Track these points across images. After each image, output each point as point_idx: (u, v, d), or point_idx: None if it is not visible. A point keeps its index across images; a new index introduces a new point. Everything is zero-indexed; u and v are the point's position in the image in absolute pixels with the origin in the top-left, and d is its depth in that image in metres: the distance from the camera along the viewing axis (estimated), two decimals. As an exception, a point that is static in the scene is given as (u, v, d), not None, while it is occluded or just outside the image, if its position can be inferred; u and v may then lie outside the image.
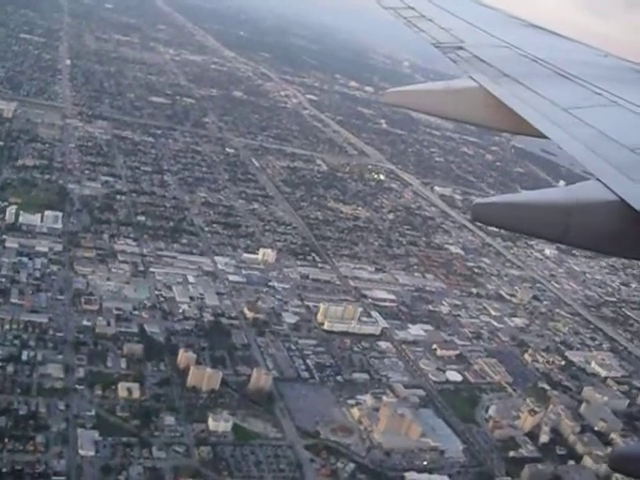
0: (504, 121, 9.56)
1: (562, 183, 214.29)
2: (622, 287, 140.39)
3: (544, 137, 8.01)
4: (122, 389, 64.64)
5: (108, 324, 74.21)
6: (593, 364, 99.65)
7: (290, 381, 74.11)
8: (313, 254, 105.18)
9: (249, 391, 69.77)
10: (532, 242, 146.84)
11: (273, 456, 62.47)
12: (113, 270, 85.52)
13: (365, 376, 78.20)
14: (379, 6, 14.50)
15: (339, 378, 76.72)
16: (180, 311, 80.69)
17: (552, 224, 6.08)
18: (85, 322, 73.21)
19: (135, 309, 78.33)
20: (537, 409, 79.50)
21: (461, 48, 11.58)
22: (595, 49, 12.49)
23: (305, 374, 75.81)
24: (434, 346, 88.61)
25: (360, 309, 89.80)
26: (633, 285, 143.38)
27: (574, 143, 7.40)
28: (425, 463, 67.51)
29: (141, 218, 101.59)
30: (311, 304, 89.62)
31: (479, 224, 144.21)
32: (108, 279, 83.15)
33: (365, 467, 64.33)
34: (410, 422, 69.84)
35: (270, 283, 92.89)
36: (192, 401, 66.47)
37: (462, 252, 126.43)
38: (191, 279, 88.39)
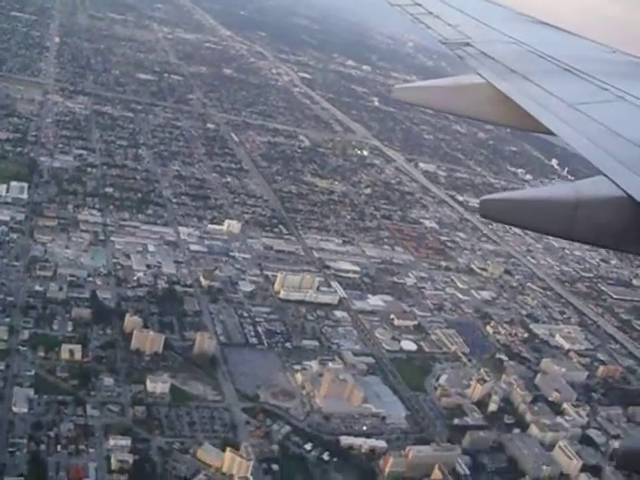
0: (511, 117, 9.62)
1: (555, 162, 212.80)
2: (602, 264, 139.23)
3: (551, 133, 8.05)
4: (65, 351, 65.74)
5: (60, 289, 75.32)
6: (557, 337, 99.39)
7: (237, 346, 74.97)
8: (280, 226, 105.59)
9: (193, 355, 70.82)
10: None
11: (208, 417, 63.47)
12: (73, 239, 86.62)
13: (315, 343, 78.84)
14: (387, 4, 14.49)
15: (288, 345, 77.49)
16: (135, 278, 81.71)
17: (559, 220, 6.12)
18: (37, 287, 74.41)
19: (90, 276, 79.39)
20: (488, 378, 79.67)
21: (468, 44, 11.66)
22: (602, 45, 12.51)
23: (254, 340, 76.62)
24: (392, 316, 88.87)
25: (318, 279, 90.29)
26: (613, 262, 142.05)
27: (581, 139, 7.44)
28: (365, 428, 68.19)
29: (109, 190, 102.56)
30: (270, 274, 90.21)
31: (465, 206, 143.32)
32: (67, 247, 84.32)
33: (301, 430, 65.09)
34: (352, 388, 70.42)
35: (231, 253, 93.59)
36: (134, 364, 67.54)
37: (437, 226, 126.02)
38: (151, 248, 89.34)
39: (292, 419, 66.26)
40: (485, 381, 78.60)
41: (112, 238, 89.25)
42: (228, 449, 57.43)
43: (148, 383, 64.43)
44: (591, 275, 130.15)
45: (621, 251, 7.37)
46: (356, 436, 65.68)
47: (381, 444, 65.35)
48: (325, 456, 62.53)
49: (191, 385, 67.21)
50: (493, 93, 9.72)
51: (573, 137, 7.53)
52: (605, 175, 6.35)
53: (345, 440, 64.68)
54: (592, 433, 78.64)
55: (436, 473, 61.42)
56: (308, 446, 63.09)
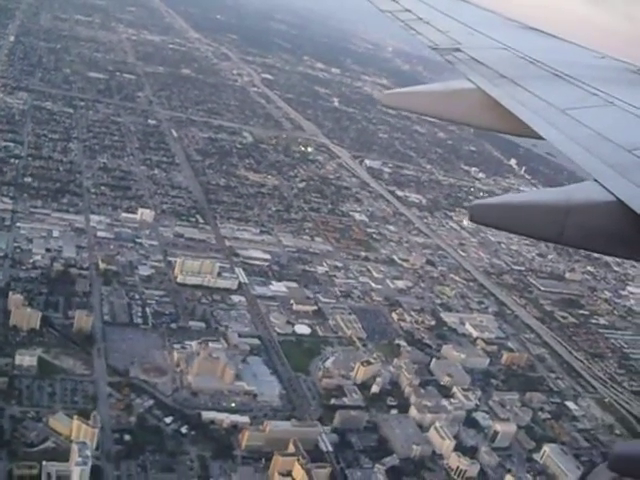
0: (501, 122, 9.62)
1: (514, 161, 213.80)
2: (537, 257, 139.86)
3: (541, 138, 8.06)
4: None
5: (-50, 270, 76.73)
6: (467, 325, 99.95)
7: (121, 326, 75.72)
8: (198, 216, 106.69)
9: (72, 332, 71.86)
10: (451, 213, 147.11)
11: (71, 389, 64.27)
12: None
13: (202, 325, 79.59)
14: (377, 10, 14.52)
15: (173, 325, 78.22)
16: (31, 261, 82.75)
17: (550, 225, 6.10)
18: None
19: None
20: (373, 361, 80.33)
21: (458, 50, 11.71)
22: (591, 50, 12.63)
23: (139, 320, 77.39)
24: (292, 301, 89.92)
25: (219, 265, 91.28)
26: (550, 256, 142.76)
27: (571, 144, 7.47)
28: (233, 405, 68.87)
29: (28, 179, 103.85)
30: (174, 260, 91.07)
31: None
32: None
33: (164, 404, 65.78)
34: (224, 366, 71.20)
35: (138, 240, 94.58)
36: (9, 339, 68.44)
37: (366, 219, 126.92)
38: (55, 234, 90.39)
39: (158, 394, 67.00)
40: (370, 363, 79.34)
41: (18, 224, 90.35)
42: (76, 417, 58.41)
43: (17, 356, 65.36)
44: (522, 268, 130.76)
45: (612, 255, 7.20)
46: (220, 411, 66.53)
47: (244, 419, 65.99)
48: (183, 429, 63.34)
49: (62, 359, 68.06)
50: (483, 98, 9.69)
51: (563, 142, 7.55)
52: (596, 180, 6.37)
53: (207, 415, 65.43)
54: (479, 416, 79.34)
55: (290, 447, 62.19)
56: (168, 419, 63.85)
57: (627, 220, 5.96)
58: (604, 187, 6.25)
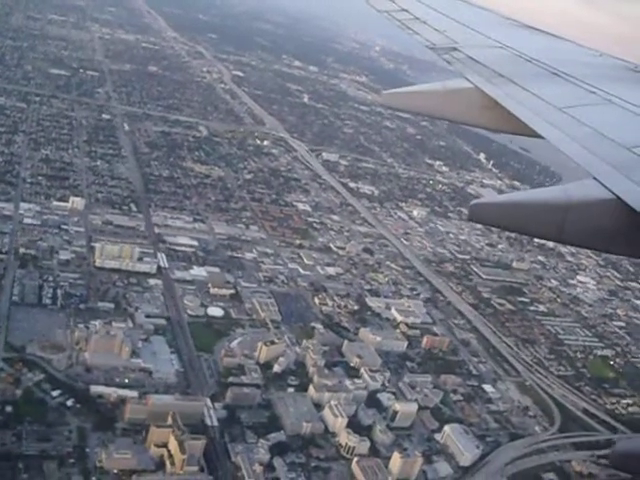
0: (500, 121, 9.68)
1: (482, 155, 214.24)
2: (486, 247, 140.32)
3: (539, 137, 8.08)
4: None
5: None
6: (392, 310, 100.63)
7: (28, 306, 76.88)
8: (132, 205, 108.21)
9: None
10: (402, 204, 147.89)
11: (-39, 365, 66.10)
12: None
13: (111, 305, 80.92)
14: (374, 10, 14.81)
15: (82, 306, 79.57)
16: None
17: (549, 223, 6.14)
18: None
19: None
20: (278, 342, 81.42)
21: (455, 49, 11.76)
22: (589, 49, 12.71)
23: (48, 301, 78.70)
24: (209, 285, 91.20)
25: (139, 249, 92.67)
26: (500, 246, 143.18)
27: (570, 142, 7.52)
28: (126, 381, 70.28)
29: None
30: (97, 245, 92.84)
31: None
32: None
33: (55, 379, 67.09)
34: (121, 344, 72.59)
35: (65, 227, 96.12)
36: None
37: (310, 209, 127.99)
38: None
39: (51, 369, 68.38)
40: (273, 343, 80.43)
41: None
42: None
43: None
44: (467, 257, 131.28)
45: (611, 253, 7.25)
46: (115, 387, 68.09)
47: (132, 394, 67.38)
48: (69, 402, 64.79)
49: (-41, 337, 69.98)
50: (481, 98, 9.74)
51: (562, 140, 7.59)
52: (595, 178, 6.43)
53: (95, 389, 66.80)
54: (383, 397, 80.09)
55: (169, 420, 63.44)
56: (55, 393, 65.33)
57: (626, 218, 5.96)
58: (603, 185, 6.23)
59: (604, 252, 7.23)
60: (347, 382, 79.21)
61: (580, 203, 6.16)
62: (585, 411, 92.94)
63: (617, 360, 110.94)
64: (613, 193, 6.11)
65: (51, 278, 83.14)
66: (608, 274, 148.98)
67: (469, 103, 10.03)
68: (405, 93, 10.91)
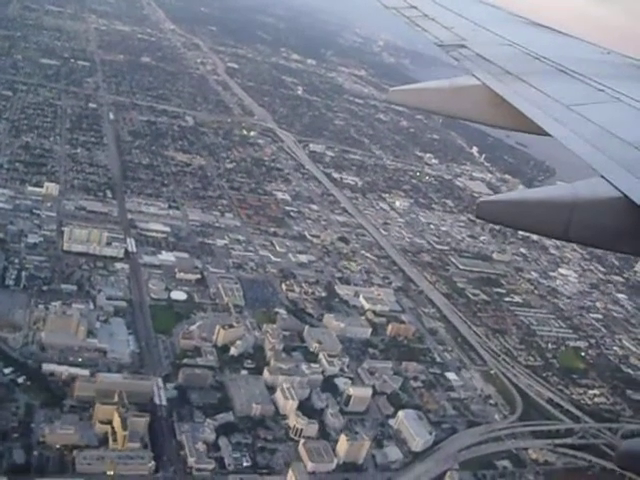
0: (507, 119, 9.67)
1: (475, 149, 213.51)
2: (467, 239, 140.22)
3: (547, 135, 8.03)
4: None
5: None
6: (360, 298, 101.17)
7: (-10, 288, 78.97)
8: (108, 191, 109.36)
9: None
10: (385, 195, 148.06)
11: None
12: None
13: (73, 288, 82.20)
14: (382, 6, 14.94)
15: (45, 288, 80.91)
16: None
17: (556, 221, 6.17)
18: None
19: None
20: (236, 325, 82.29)
21: (464, 46, 11.81)
22: (597, 46, 12.69)
23: (11, 282, 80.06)
24: (176, 270, 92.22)
25: (108, 234, 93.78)
26: (482, 238, 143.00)
27: (578, 140, 7.49)
28: (80, 360, 71.45)
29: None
30: (66, 229, 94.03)
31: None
32: None
33: (9, 357, 68.33)
34: (77, 324, 73.76)
35: (37, 211, 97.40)
36: None
37: (289, 198, 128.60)
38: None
39: (6, 348, 69.71)
40: (232, 327, 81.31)
41: None
42: None
43: None
44: (446, 248, 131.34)
45: (619, 252, 7.27)
46: (62, 365, 69.13)
47: (84, 372, 68.60)
48: (20, 380, 66.09)
49: None
50: (489, 95, 9.75)
51: (569, 138, 7.58)
52: (602, 176, 6.42)
53: (47, 367, 68.08)
54: (339, 381, 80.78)
55: (115, 398, 64.57)
56: (7, 370, 66.63)
57: (634, 216, 5.94)
58: (611, 183, 6.22)
59: (611, 251, 7.18)
60: (304, 366, 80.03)
61: (587, 201, 6.17)
62: (549, 401, 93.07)
63: (589, 352, 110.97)
64: (620, 191, 6.08)
65: (17, 261, 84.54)
66: (592, 267, 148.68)
67: (476, 100, 10.08)
68: (412, 90, 10.96)
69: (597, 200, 6.17)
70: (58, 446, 59.40)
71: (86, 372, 68.53)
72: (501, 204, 6.30)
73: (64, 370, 67.90)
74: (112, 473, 58.24)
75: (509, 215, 6.25)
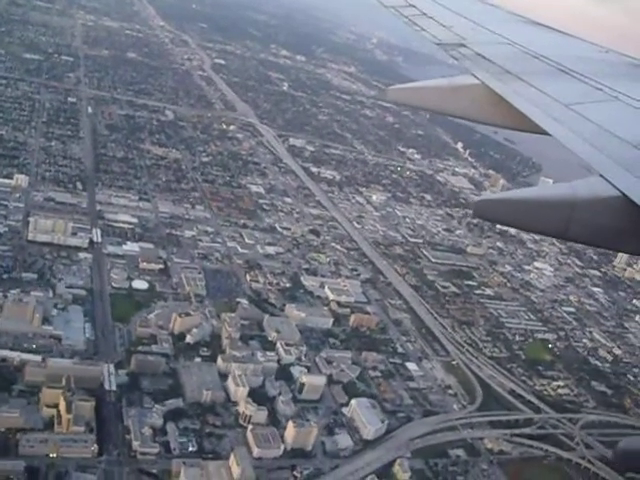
0: (506, 118, 9.70)
1: (460, 145, 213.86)
2: (443, 232, 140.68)
3: (546, 134, 8.05)
4: None
5: None
6: (325, 289, 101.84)
7: (-51, 276, 79.94)
8: (79, 183, 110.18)
9: None
10: (362, 189, 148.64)
11: None
12: None
13: (34, 276, 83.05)
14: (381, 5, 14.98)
15: (5, 276, 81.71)
16: None
17: (555, 221, 6.19)
18: None
19: None
20: (193, 313, 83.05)
21: (463, 45, 11.84)
22: (595, 45, 12.75)
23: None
24: (140, 260, 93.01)
25: (73, 224, 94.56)
26: (458, 232, 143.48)
27: (576, 139, 7.53)
28: (34, 346, 72.28)
29: None
30: (31, 219, 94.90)
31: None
32: None
33: (-39, 343, 69.83)
34: (33, 311, 74.61)
35: (4, 202, 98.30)
36: None
37: (263, 192, 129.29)
38: None
39: (-40, 335, 70.99)
40: (188, 315, 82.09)
41: None
42: None
43: None
44: (420, 241, 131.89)
45: (618, 251, 7.71)
46: (14, 350, 70.00)
47: (36, 358, 69.46)
48: (-30, 367, 67.28)
49: None
50: (488, 94, 9.80)
51: (568, 137, 7.61)
52: (601, 175, 6.44)
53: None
54: (295, 370, 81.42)
55: (62, 382, 65.42)
56: (-42, 356, 67.85)
57: (633, 215, 5.96)
58: (609, 182, 6.25)
59: (610, 249, 7.11)
60: (259, 354, 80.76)
61: (586, 200, 6.17)
62: (511, 392, 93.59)
63: (557, 344, 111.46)
64: (619, 190, 6.10)
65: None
66: (569, 261, 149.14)
67: (475, 99, 10.10)
68: (410, 89, 10.99)
69: (596, 199, 6.17)
70: (3, 429, 60.34)
71: (38, 358, 69.48)
72: (499, 203, 6.31)
73: (16, 356, 68.71)
74: (55, 455, 59.21)
75: (507, 214, 6.24)
